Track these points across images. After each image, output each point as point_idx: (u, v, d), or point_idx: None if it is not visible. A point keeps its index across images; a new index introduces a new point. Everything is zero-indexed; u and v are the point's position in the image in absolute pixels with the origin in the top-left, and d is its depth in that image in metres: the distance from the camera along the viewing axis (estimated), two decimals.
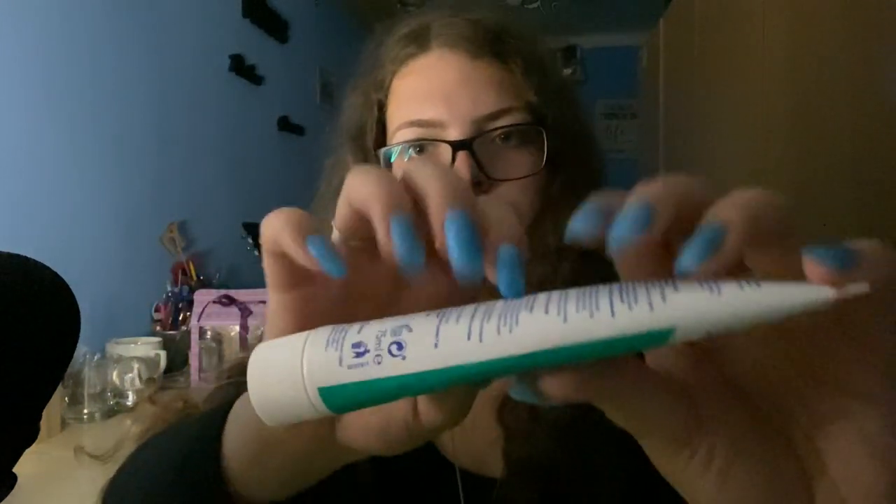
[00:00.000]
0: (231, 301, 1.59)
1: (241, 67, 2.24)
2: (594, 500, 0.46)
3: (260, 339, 0.25)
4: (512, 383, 0.20)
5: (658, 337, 0.17)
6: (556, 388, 0.19)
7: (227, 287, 1.71)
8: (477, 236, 0.20)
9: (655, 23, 2.48)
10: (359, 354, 0.20)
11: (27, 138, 1.39)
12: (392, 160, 0.52)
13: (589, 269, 0.44)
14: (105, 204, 1.60)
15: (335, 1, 3.08)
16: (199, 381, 1.54)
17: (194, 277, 1.82)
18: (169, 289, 1.74)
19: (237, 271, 2.06)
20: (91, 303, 1.33)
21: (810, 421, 0.21)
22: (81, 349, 1.24)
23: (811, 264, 0.16)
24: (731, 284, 0.17)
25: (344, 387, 0.20)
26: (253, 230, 1.92)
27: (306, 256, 0.21)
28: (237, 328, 1.58)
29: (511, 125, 0.49)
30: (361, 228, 0.22)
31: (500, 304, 0.19)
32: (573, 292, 0.19)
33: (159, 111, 1.82)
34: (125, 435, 0.46)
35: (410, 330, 0.20)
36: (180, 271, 1.79)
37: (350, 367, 0.20)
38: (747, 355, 0.22)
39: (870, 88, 1.45)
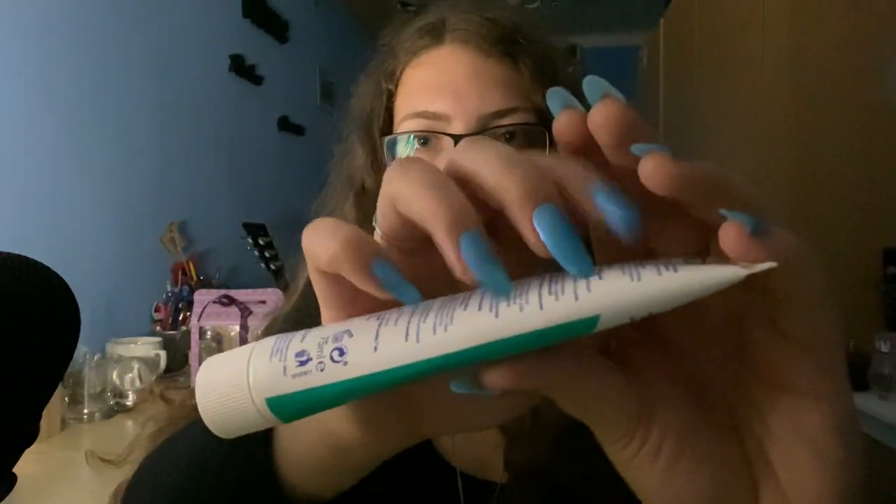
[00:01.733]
0: (231, 301, 1.59)
1: (241, 67, 2.24)
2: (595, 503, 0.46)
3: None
4: (454, 379, 0.20)
5: (585, 325, 0.18)
6: (495, 380, 0.19)
7: (227, 287, 1.71)
8: (571, 228, 0.18)
9: (655, 23, 2.48)
10: (302, 363, 0.20)
11: (28, 138, 1.39)
12: (396, 149, 0.52)
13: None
14: (105, 204, 1.60)
15: (335, 1, 3.08)
16: None
17: (194, 277, 1.82)
18: (169, 289, 1.74)
19: (237, 271, 2.06)
20: (91, 303, 1.34)
21: (757, 421, 0.21)
22: (81, 349, 1.24)
23: (727, 224, 0.17)
24: (651, 270, 0.18)
25: (290, 396, 0.20)
26: (253, 230, 1.92)
27: (375, 286, 0.19)
28: (237, 328, 1.58)
29: (515, 125, 0.49)
30: (415, 235, 0.20)
31: (437, 302, 0.20)
32: None
33: (159, 111, 1.82)
34: (138, 436, 0.45)
35: (351, 335, 0.20)
36: (180, 271, 1.79)
37: (294, 375, 0.20)
38: (699, 353, 0.22)
39: (869, 88, 1.45)
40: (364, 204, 0.55)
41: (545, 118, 0.51)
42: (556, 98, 0.20)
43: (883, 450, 1.17)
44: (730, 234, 0.17)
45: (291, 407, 0.21)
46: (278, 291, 1.59)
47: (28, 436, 0.53)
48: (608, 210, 0.18)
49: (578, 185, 0.18)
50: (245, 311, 1.58)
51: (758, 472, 0.21)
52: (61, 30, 1.48)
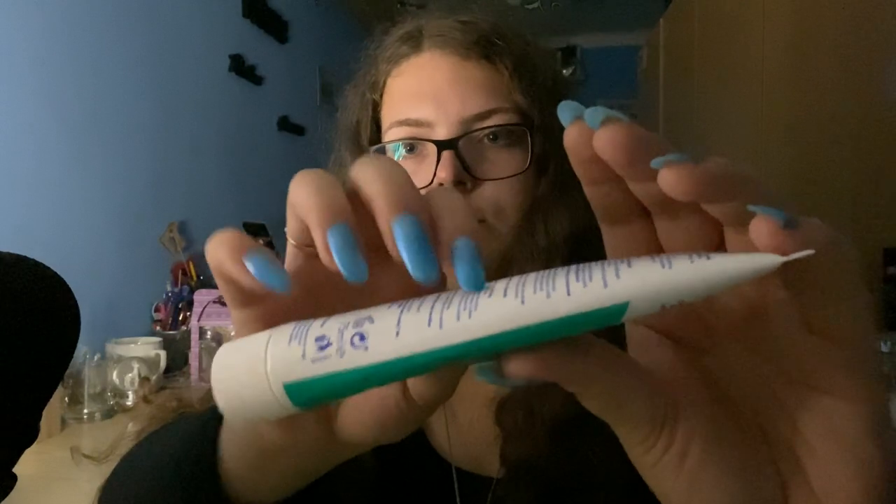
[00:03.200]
0: None
1: (241, 67, 2.24)
2: (591, 500, 0.46)
3: None
4: (477, 366, 0.20)
5: (614, 312, 0.17)
6: (518, 368, 0.19)
7: None
8: (426, 240, 0.19)
9: (655, 23, 2.48)
10: (322, 348, 0.20)
11: (28, 139, 1.39)
12: None
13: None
14: (105, 204, 1.60)
15: (335, 1, 3.08)
16: (199, 381, 1.54)
17: (194, 277, 1.82)
18: (169, 289, 1.74)
19: None
20: (91, 303, 1.33)
21: (787, 423, 0.21)
22: (81, 349, 1.24)
23: (757, 219, 0.17)
24: (682, 258, 0.17)
25: (309, 381, 0.20)
26: (253, 230, 1.92)
27: (248, 277, 0.21)
28: None
29: (497, 125, 0.50)
30: (310, 235, 0.21)
31: (461, 290, 0.19)
32: (532, 276, 0.19)
33: (160, 111, 1.82)
34: (121, 435, 0.46)
35: (373, 321, 0.20)
36: (180, 271, 1.79)
37: (314, 360, 0.20)
38: (728, 357, 0.22)
39: (870, 88, 1.45)
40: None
41: (527, 117, 0.51)
42: (566, 111, 0.20)
43: None
44: (762, 228, 0.17)
45: (310, 393, 0.20)
46: None
47: (28, 436, 0.53)
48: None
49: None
50: None
51: (787, 474, 0.21)
52: (61, 30, 1.48)
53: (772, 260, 0.16)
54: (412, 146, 0.51)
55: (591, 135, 0.19)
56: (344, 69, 0.61)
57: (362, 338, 0.19)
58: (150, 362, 1.44)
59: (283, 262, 0.23)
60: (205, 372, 1.55)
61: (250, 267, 0.21)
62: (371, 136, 0.56)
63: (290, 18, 2.59)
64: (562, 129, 0.20)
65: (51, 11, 1.44)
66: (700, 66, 2.07)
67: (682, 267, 0.17)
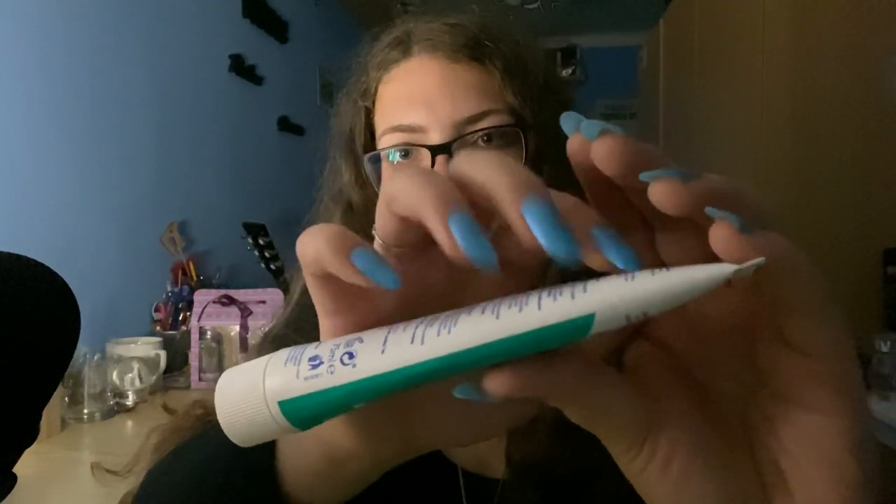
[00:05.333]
0: (231, 301, 1.59)
1: (241, 67, 2.24)
2: (595, 499, 0.46)
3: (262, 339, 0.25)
4: (457, 386, 0.20)
5: (581, 324, 0.18)
6: (496, 384, 0.19)
7: (227, 287, 1.71)
8: (561, 218, 0.18)
9: (655, 23, 2.48)
10: (314, 367, 0.21)
11: (28, 138, 1.39)
12: (378, 164, 0.54)
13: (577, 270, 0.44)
14: (105, 204, 1.60)
15: (335, 1, 3.09)
16: (199, 381, 1.54)
17: (194, 277, 1.82)
18: (169, 289, 1.74)
19: (237, 271, 2.06)
20: (91, 303, 1.33)
21: (771, 436, 0.21)
22: (81, 349, 1.24)
23: (715, 224, 0.17)
24: (646, 272, 0.18)
25: (301, 398, 0.21)
26: (253, 230, 1.92)
27: (354, 273, 0.20)
28: (237, 328, 1.58)
29: (490, 128, 0.50)
30: (409, 235, 0.21)
31: (444, 313, 0.21)
32: (509, 297, 0.20)
33: (159, 111, 1.82)
34: (142, 448, 0.46)
35: (362, 341, 0.21)
36: (180, 271, 1.79)
37: (306, 378, 0.21)
38: (715, 369, 0.22)
39: (869, 88, 1.45)
40: (352, 219, 0.57)
41: (520, 117, 0.51)
42: (568, 122, 0.20)
43: (884, 451, 1.17)
44: (717, 233, 0.17)
45: (304, 411, 0.22)
46: (278, 291, 1.59)
47: (28, 436, 0.53)
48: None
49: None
50: (245, 311, 1.58)
51: (770, 486, 0.21)
52: (61, 30, 1.48)
53: (726, 269, 0.17)
54: (406, 152, 0.51)
55: (588, 146, 0.19)
56: (344, 69, 0.61)
57: (351, 356, 0.21)
58: (150, 362, 1.44)
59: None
60: (205, 372, 1.56)
61: (357, 261, 0.20)
62: (365, 143, 0.56)
63: (290, 18, 2.59)
64: (555, 127, 0.20)
65: (50, 11, 1.44)
66: (700, 66, 2.07)
67: (643, 280, 0.18)
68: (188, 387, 1.55)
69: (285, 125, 2.57)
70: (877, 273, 1.42)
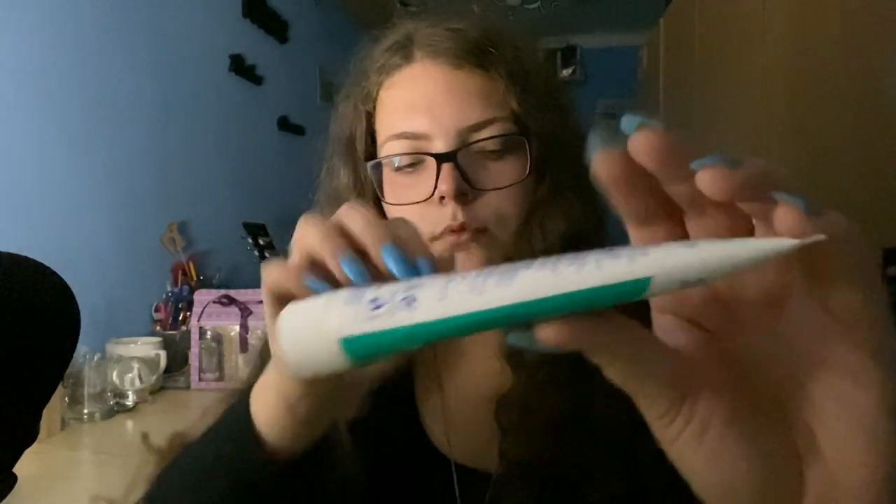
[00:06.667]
0: (231, 301, 1.59)
1: (241, 67, 2.23)
2: (588, 496, 0.46)
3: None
4: (512, 332, 0.22)
5: (638, 285, 0.19)
6: (550, 335, 0.20)
7: (227, 287, 1.71)
8: (407, 261, 0.26)
9: (655, 23, 2.48)
10: (375, 308, 0.23)
11: (27, 138, 1.39)
12: (382, 171, 0.53)
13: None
14: (105, 204, 1.60)
15: (335, 1, 3.08)
16: (199, 381, 1.54)
17: (194, 277, 1.81)
18: (169, 289, 1.74)
19: (237, 271, 2.06)
20: (91, 303, 1.33)
21: (806, 405, 0.21)
22: (81, 349, 1.24)
23: (781, 205, 0.18)
24: (705, 240, 0.19)
25: (362, 337, 0.23)
26: (253, 230, 1.92)
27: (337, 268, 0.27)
28: (237, 328, 1.58)
29: (494, 136, 0.50)
30: (314, 267, 0.28)
31: (503, 266, 0.21)
32: (567, 255, 0.20)
33: (159, 111, 1.82)
34: (135, 480, 0.48)
35: (422, 287, 0.22)
36: (180, 271, 1.79)
37: (368, 318, 0.23)
38: (750, 342, 0.23)
39: (869, 88, 1.45)
40: None
41: (523, 124, 0.51)
42: (594, 141, 0.21)
43: None
44: (785, 214, 0.18)
45: (363, 348, 0.23)
46: None
47: (28, 436, 0.53)
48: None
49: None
50: (245, 311, 1.58)
51: (803, 450, 0.22)
52: (61, 29, 1.48)
53: (788, 243, 0.18)
54: (412, 161, 0.51)
55: (614, 159, 0.21)
56: (344, 69, 0.61)
57: (412, 300, 0.22)
58: (150, 362, 1.45)
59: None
60: (205, 372, 1.56)
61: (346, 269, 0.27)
62: (366, 148, 0.55)
63: (290, 18, 2.59)
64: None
65: (50, 12, 1.44)
66: (700, 66, 2.07)
67: (704, 246, 0.18)
68: (188, 387, 1.55)
69: (285, 125, 2.57)
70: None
